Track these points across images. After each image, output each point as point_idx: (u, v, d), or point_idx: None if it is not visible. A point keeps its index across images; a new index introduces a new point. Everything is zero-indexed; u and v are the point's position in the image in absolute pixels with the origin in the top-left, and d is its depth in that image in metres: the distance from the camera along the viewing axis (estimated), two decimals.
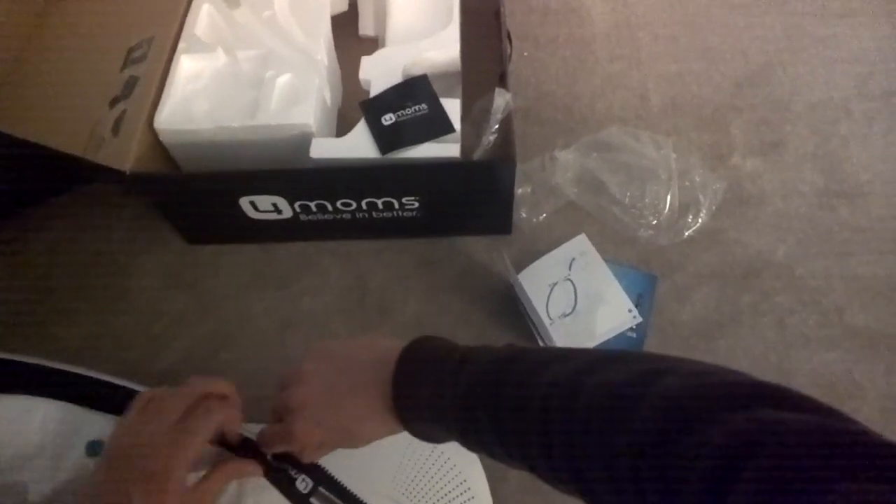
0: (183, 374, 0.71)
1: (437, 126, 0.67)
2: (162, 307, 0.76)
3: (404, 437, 0.60)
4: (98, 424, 0.43)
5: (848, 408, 0.64)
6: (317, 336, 0.74)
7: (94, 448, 0.48)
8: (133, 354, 0.74)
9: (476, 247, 0.78)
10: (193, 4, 0.75)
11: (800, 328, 0.70)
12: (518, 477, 0.65)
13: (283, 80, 0.70)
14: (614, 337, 0.70)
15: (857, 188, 0.79)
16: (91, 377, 0.50)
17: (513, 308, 0.71)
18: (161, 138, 0.68)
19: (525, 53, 0.94)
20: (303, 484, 0.46)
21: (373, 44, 0.77)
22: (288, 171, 0.66)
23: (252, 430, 0.48)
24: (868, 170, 0.80)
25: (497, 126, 0.69)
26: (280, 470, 0.46)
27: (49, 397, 0.50)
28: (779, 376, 0.68)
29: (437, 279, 0.76)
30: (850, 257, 0.74)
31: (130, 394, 0.48)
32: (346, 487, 0.48)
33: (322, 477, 0.47)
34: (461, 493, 0.59)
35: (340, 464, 0.47)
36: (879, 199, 0.77)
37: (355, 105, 0.69)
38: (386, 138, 0.66)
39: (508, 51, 0.91)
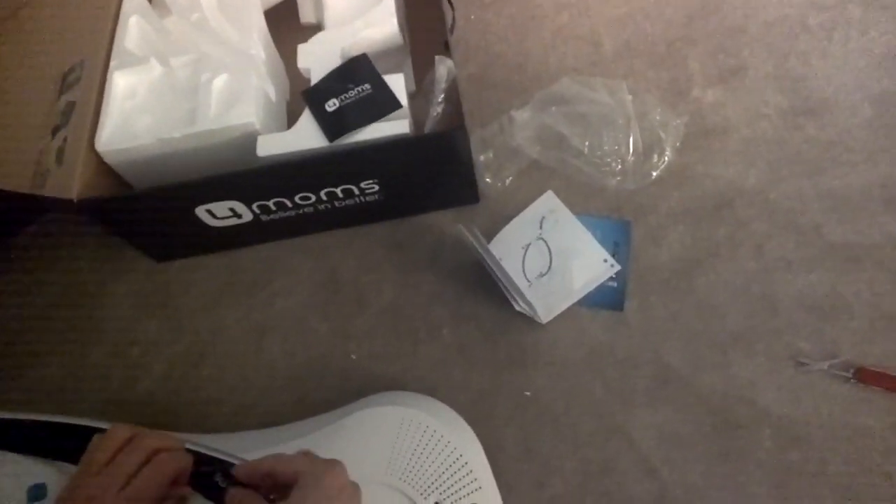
0: (164, 396, 0.71)
1: (384, 104, 0.65)
2: (136, 332, 0.75)
3: (394, 420, 0.60)
4: (40, 470, 0.42)
5: (837, 325, 0.64)
6: (295, 336, 0.73)
7: (36, 492, 0.46)
8: (113, 384, 0.73)
9: (445, 221, 0.76)
10: (121, 19, 0.73)
11: (779, 252, 0.68)
12: (514, 445, 0.65)
13: (220, 81, 0.68)
14: (595, 289, 0.69)
15: (821, 103, 0.76)
16: (28, 420, 0.49)
17: (487, 278, 0.70)
18: (105, 160, 0.67)
19: (472, 17, 0.92)
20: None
21: (316, 31, 0.75)
22: (238, 173, 0.65)
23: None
24: (831, 82, 0.78)
25: (443, 95, 0.67)
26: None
27: None
28: (763, 304, 0.67)
29: (409, 261, 0.75)
30: (822, 173, 0.72)
31: (72, 431, 0.47)
32: None
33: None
34: (459, 469, 0.58)
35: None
36: (844, 111, 0.75)
37: None
38: (332, 125, 0.65)
39: (451, 17, 0.89)
